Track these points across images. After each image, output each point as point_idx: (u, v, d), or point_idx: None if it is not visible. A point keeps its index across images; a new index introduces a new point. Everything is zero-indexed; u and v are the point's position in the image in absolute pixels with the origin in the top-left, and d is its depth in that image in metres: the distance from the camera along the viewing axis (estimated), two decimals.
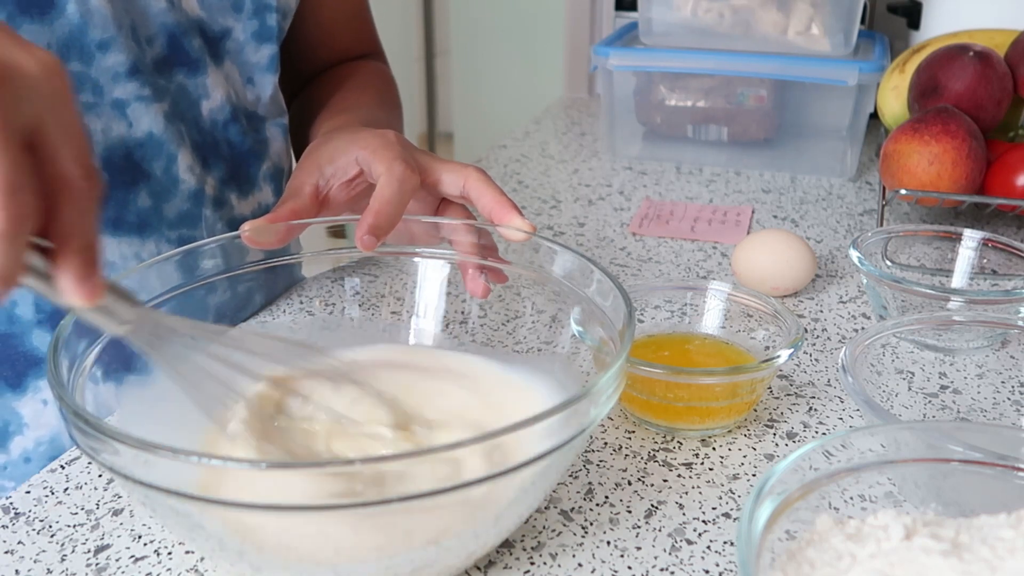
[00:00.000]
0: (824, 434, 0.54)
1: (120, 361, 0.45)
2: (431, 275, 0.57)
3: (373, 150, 0.56)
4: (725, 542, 0.45)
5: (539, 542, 0.45)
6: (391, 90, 0.85)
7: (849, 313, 0.70)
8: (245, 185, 0.69)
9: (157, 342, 0.41)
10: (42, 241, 0.35)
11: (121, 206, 0.60)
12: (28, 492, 0.49)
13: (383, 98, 0.80)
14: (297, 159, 0.89)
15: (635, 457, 0.52)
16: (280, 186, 0.74)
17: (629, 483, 0.50)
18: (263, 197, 0.71)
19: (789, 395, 0.58)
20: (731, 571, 0.43)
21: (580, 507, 0.48)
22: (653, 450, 0.52)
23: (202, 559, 0.44)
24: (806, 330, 0.67)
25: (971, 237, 0.71)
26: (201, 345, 0.43)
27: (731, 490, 0.49)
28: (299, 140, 0.83)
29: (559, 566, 0.44)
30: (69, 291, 0.36)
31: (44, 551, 0.45)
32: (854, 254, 0.65)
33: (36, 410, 0.61)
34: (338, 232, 0.59)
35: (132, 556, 0.44)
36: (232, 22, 0.67)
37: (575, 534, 0.46)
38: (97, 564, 0.44)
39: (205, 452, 0.34)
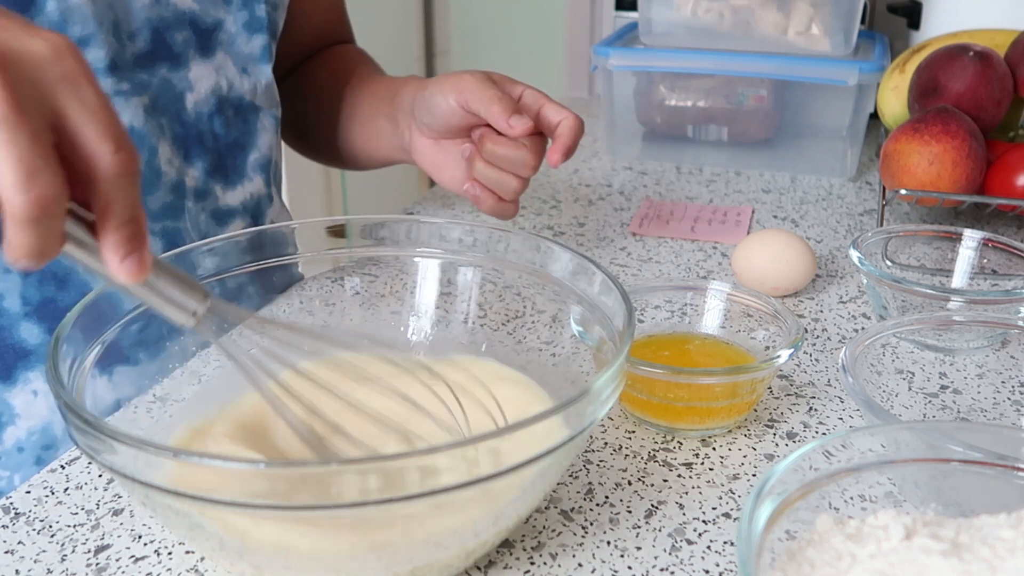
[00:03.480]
0: (824, 434, 0.54)
1: (117, 356, 0.46)
2: (431, 275, 0.57)
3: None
4: (725, 542, 0.45)
5: (539, 542, 0.45)
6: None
7: (849, 313, 0.70)
8: (233, 176, 0.70)
9: (223, 334, 0.41)
10: (88, 215, 0.36)
11: None
12: (28, 492, 0.49)
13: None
14: (295, 147, 0.92)
15: (635, 457, 0.52)
16: (269, 176, 0.74)
17: (629, 483, 0.50)
18: (254, 188, 0.72)
19: (789, 395, 0.58)
20: (731, 571, 0.43)
21: (580, 507, 0.48)
22: (653, 450, 0.52)
23: (202, 559, 0.44)
24: (806, 330, 0.67)
25: (971, 237, 0.71)
26: (266, 338, 0.43)
27: (731, 490, 0.49)
28: (297, 126, 0.87)
29: (559, 566, 0.44)
30: (113, 266, 0.36)
31: (44, 551, 0.45)
32: (854, 254, 0.65)
33: (27, 401, 0.61)
34: (338, 232, 0.59)
35: (132, 556, 0.44)
36: (223, 13, 0.68)
37: (575, 534, 0.46)
38: (97, 564, 0.44)
39: (205, 452, 0.34)
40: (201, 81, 0.66)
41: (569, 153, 0.70)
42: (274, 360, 0.44)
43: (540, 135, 0.71)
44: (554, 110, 0.71)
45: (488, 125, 0.70)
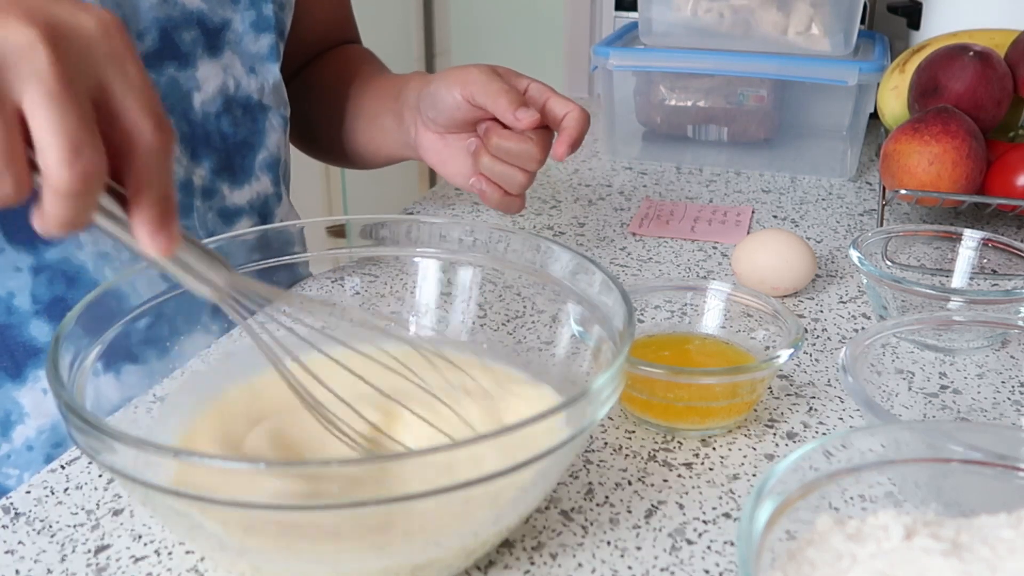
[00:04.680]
0: (824, 434, 0.54)
1: (121, 353, 0.46)
2: (431, 275, 0.57)
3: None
4: (725, 542, 0.45)
5: (539, 542, 0.45)
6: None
7: (849, 313, 0.70)
8: (240, 175, 0.70)
9: (244, 310, 0.42)
10: (120, 188, 0.37)
11: None
12: (28, 492, 0.49)
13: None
14: (300, 147, 0.91)
15: (635, 457, 0.52)
16: (277, 176, 0.74)
17: (629, 483, 0.50)
18: (261, 187, 0.72)
19: (789, 395, 0.58)
20: (731, 571, 0.43)
21: (580, 507, 0.48)
22: (653, 450, 0.52)
23: (202, 559, 0.44)
24: (806, 330, 0.67)
25: (971, 237, 0.71)
26: (289, 316, 0.45)
27: (731, 490, 0.49)
28: (302, 126, 0.87)
29: (559, 566, 0.44)
30: (144, 241, 0.37)
31: (44, 551, 0.45)
32: (854, 254, 0.65)
33: (36, 399, 0.61)
34: (338, 232, 0.59)
35: (132, 556, 0.44)
36: (231, 13, 0.68)
37: (575, 534, 0.46)
38: (97, 564, 0.44)
39: (206, 452, 0.34)
40: (208, 81, 0.66)
41: (575, 146, 0.70)
42: (296, 340, 0.44)
43: (546, 128, 0.71)
44: (560, 103, 0.71)
45: (494, 119, 0.70)
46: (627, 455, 0.52)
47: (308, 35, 0.85)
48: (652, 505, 0.48)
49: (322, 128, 0.87)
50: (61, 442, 0.62)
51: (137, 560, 0.44)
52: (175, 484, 0.35)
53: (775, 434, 0.54)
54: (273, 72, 0.72)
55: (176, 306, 0.49)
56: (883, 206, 0.83)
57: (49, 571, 0.43)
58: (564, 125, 0.70)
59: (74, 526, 0.46)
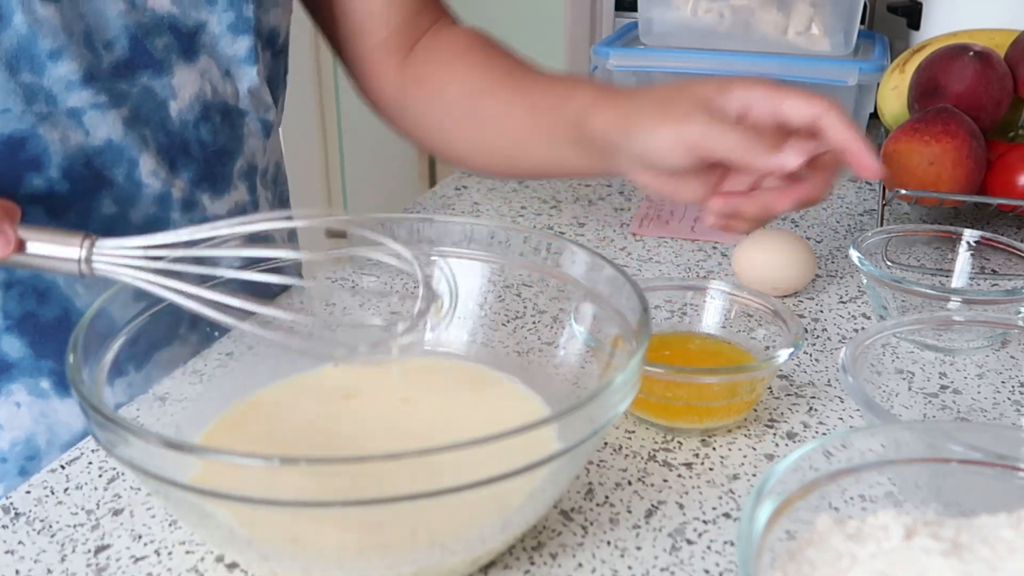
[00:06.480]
0: (824, 434, 0.54)
1: (144, 349, 0.46)
2: (432, 274, 0.57)
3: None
4: (725, 542, 0.45)
5: (539, 542, 0.45)
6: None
7: (849, 313, 0.70)
8: (220, 184, 0.67)
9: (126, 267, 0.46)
10: None
11: (85, 214, 0.60)
12: (28, 492, 0.49)
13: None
14: (418, 144, 0.84)
15: (635, 457, 0.52)
16: (253, 183, 0.71)
17: (629, 483, 0.50)
18: (239, 196, 0.69)
19: (789, 395, 0.58)
20: (731, 571, 0.43)
21: (580, 507, 0.48)
22: (653, 450, 0.52)
23: (202, 559, 0.44)
24: (806, 330, 0.67)
25: (971, 237, 0.71)
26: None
27: (731, 490, 0.49)
28: (415, 129, 0.81)
29: (559, 566, 0.44)
30: None
31: (44, 551, 0.45)
32: (854, 254, 0.65)
33: (10, 413, 0.61)
34: (339, 234, 0.59)
35: (132, 556, 0.44)
36: (206, 15, 0.64)
37: (575, 534, 0.46)
38: (97, 564, 0.44)
39: (221, 449, 0.35)
40: (185, 87, 0.63)
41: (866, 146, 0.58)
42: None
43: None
44: (797, 103, 0.58)
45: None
46: (627, 455, 0.52)
47: (384, 19, 0.77)
48: (652, 505, 0.48)
49: (465, 148, 0.79)
50: (35, 455, 0.62)
51: (137, 560, 0.44)
52: (193, 479, 0.35)
53: (775, 434, 0.54)
54: (250, 75, 0.68)
55: (171, 308, 0.49)
56: (883, 206, 0.83)
57: (49, 571, 0.43)
58: (837, 137, 0.59)
59: (74, 526, 0.46)
